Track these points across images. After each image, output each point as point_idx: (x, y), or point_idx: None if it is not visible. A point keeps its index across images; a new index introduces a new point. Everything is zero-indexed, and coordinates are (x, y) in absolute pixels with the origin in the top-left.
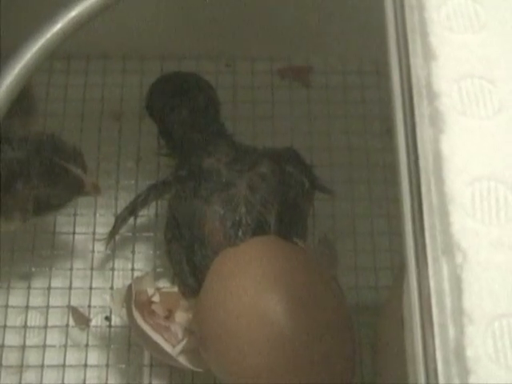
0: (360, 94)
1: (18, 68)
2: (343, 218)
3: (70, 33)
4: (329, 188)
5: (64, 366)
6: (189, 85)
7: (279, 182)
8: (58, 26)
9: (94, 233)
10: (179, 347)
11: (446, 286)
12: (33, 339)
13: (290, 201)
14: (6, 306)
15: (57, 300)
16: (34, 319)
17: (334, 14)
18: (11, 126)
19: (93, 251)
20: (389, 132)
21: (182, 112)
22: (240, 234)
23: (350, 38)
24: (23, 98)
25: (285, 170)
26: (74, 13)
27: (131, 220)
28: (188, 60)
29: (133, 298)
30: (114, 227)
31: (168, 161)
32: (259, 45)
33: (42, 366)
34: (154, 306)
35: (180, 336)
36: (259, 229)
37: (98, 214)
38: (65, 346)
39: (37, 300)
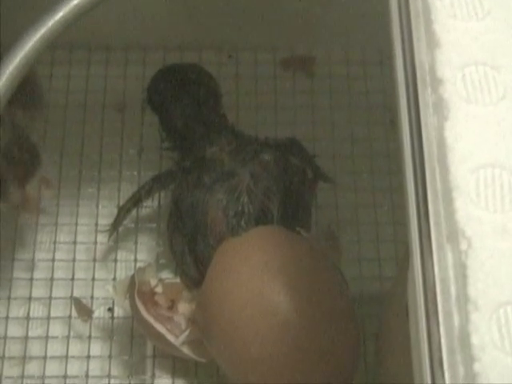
0: (363, 84)
1: (19, 57)
2: (346, 208)
3: (71, 21)
4: (331, 177)
5: (67, 357)
6: (189, 76)
7: (282, 172)
8: (59, 15)
9: (96, 224)
10: (182, 337)
11: (451, 273)
12: (35, 330)
13: (293, 190)
14: (9, 298)
15: (59, 291)
16: (37, 310)
17: (337, 3)
18: (17, 118)
19: (95, 242)
20: (392, 122)
21: (183, 104)
22: (243, 223)
23: (353, 28)
24: (28, 90)
25: (288, 159)
26: (75, 1)
27: (134, 211)
28: (190, 51)
29: (136, 289)
30: (117, 218)
31: (170, 153)
32: (262, 35)
33: (45, 358)
34: (156, 297)
35: (183, 326)
36: (262, 218)
37: (100, 206)
38: (67, 338)
39: (39, 291)
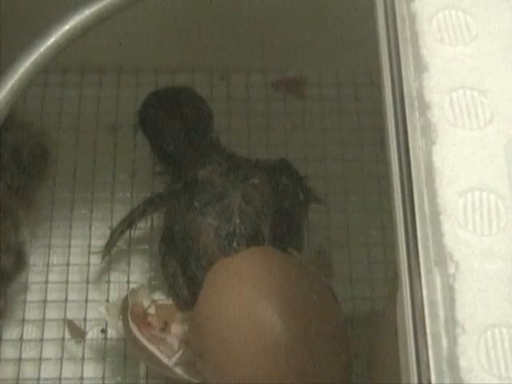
0: (354, 105)
1: (11, 82)
2: (338, 229)
3: (63, 47)
4: (321, 198)
5: (60, 378)
6: (180, 100)
7: (273, 193)
8: (51, 40)
9: (89, 246)
10: (175, 358)
11: (439, 296)
12: (29, 352)
13: (284, 212)
14: None
15: (53, 313)
16: (30, 332)
17: (328, 26)
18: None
19: (88, 264)
20: (382, 143)
21: (174, 128)
22: (235, 244)
23: (343, 49)
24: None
25: (279, 180)
26: (67, 26)
27: (127, 233)
28: (182, 73)
29: (129, 310)
30: (110, 240)
31: (163, 177)
32: (253, 57)
33: (39, 379)
34: (149, 318)
35: (176, 347)
36: (254, 239)
37: (93, 227)
38: (61, 359)
39: (33, 313)
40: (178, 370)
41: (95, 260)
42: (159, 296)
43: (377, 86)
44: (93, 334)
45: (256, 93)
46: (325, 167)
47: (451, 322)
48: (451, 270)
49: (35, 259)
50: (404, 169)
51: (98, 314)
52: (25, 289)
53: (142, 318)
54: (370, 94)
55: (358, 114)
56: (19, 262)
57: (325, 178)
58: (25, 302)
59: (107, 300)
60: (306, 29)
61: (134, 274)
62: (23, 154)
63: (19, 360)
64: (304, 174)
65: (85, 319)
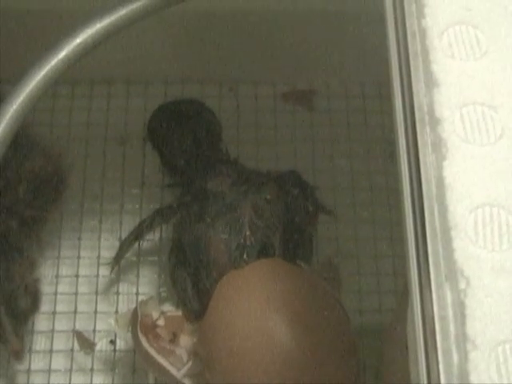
0: (363, 117)
1: (23, 95)
2: (346, 241)
3: (74, 60)
4: (330, 210)
5: None
6: (189, 113)
7: (283, 205)
8: (62, 53)
9: (98, 257)
10: (184, 370)
11: (450, 311)
12: (38, 363)
13: (294, 223)
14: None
15: (62, 324)
16: (40, 343)
17: (337, 38)
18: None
19: (97, 275)
20: (391, 155)
21: (184, 141)
22: (245, 256)
23: (352, 62)
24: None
25: (288, 192)
26: (78, 40)
27: (136, 244)
28: (191, 84)
29: (138, 322)
30: (119, 252)
31: (172, 189)
32: (262, 69)
33: None
34: (158, 330)
35: (185, 359)
36: (264, 251)
37: (102, 238)
38: (70, 371)
39: (42, 324)
40: (187, 382)
41: (104, 271)
42: (168, 307)
43: (385, 98)
44: (102, 345)
45: (265, 105)
46: (333, 179)
47: (462, 338)
48: (462, 285)
49: (44, 270)
50: (415, 184)
51: (107, 326)
52: None
53: (151, 330)
54: (378, 107)
55: (367, 126)
56: (35, 300)
57: (333, 190)
58: None
59: (116, 311)
60: (314, 41)
61: (143, 286)
62: (39, 184)
63: (28, 371)
64: (313, 185)
65: (94, 330)
